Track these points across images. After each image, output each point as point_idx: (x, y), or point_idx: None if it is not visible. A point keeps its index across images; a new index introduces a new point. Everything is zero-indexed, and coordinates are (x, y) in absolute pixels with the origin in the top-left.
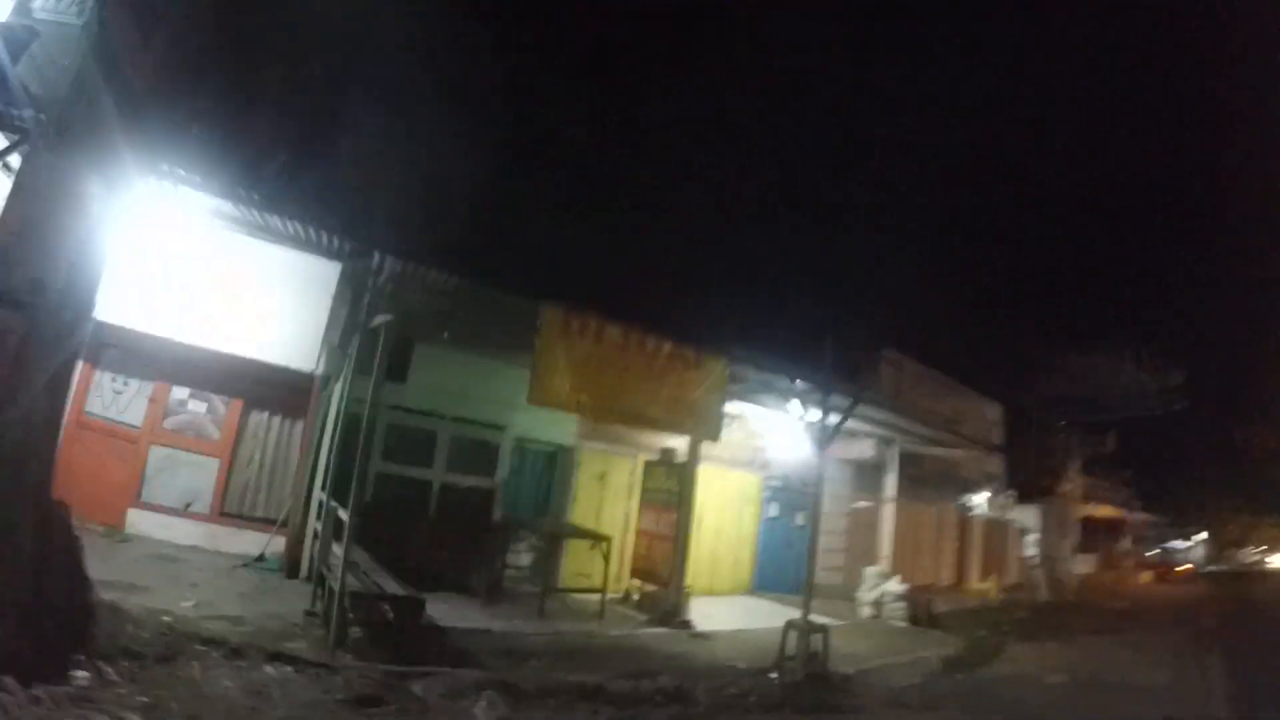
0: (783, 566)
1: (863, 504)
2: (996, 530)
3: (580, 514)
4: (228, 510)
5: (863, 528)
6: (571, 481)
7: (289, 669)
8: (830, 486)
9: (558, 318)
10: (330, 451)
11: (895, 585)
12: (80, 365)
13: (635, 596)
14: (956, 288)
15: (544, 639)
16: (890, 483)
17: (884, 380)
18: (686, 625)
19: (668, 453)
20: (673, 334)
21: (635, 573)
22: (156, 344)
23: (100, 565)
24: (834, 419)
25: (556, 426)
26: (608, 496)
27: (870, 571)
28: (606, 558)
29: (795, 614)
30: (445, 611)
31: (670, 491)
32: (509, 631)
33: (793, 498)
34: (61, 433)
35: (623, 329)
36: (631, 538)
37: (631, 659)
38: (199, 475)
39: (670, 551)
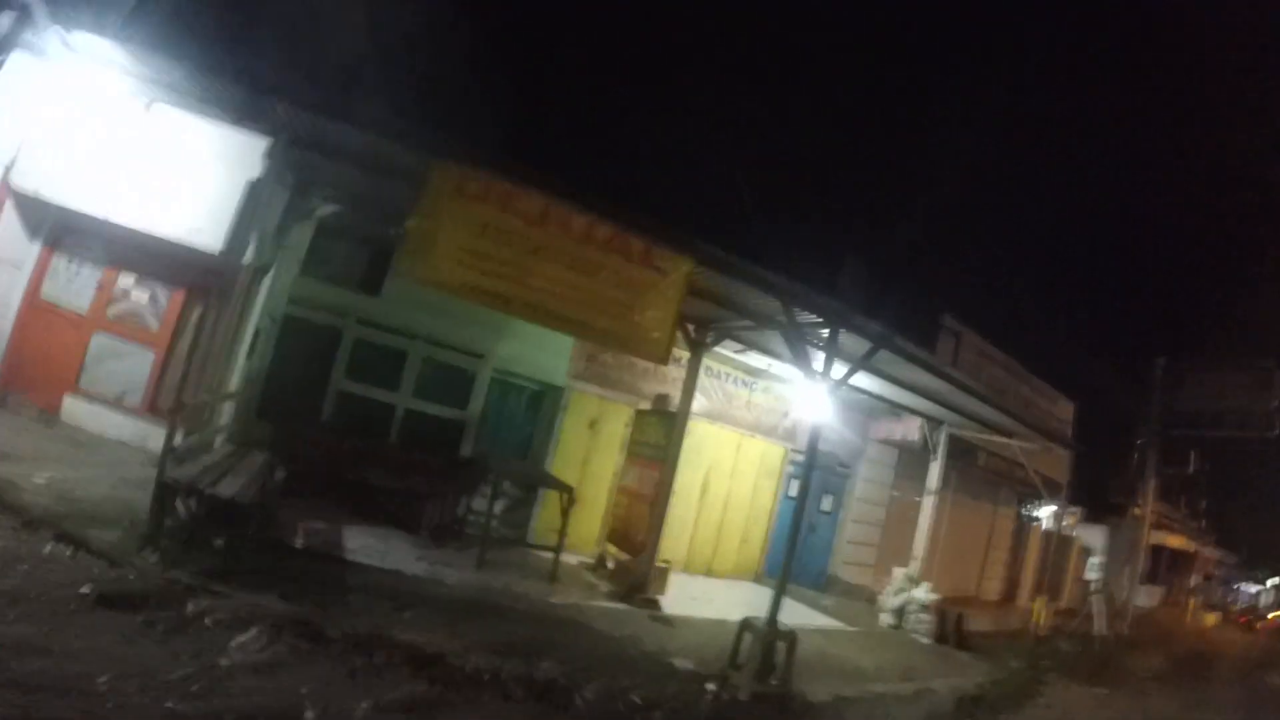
0: (801, 554)
1: (902, 495)
2: (1057, 546)
3: (564, 463)
4: (160, 405)
5: (900, 522)
6: (556, 425)
7: (66, 550)
8: (868, 470)
9: (450, 176)
10: (251, 350)
11: (923, 593)
12: (40, 247)
13: (610, 564)
14: (1043, 256)
15: (457, 592)
16: (935, 472)
17: (939, 352)
18: (652, 605)
19: (661, 400)
20: (621, 216)
21: (612, 536)
22: (108, 230)
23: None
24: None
25: (546, 361)
26: (597, 446)
27: (899, 573)
28: (565, 511)
29: (807, 611)
30: (370, 545)
31: (660, 447)
32: (424, 577)
33: (822, 477)
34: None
35: (543, 199)
36: (616, 496)
37: (545, 632)
38: (136, 366)
39: (647, 515)
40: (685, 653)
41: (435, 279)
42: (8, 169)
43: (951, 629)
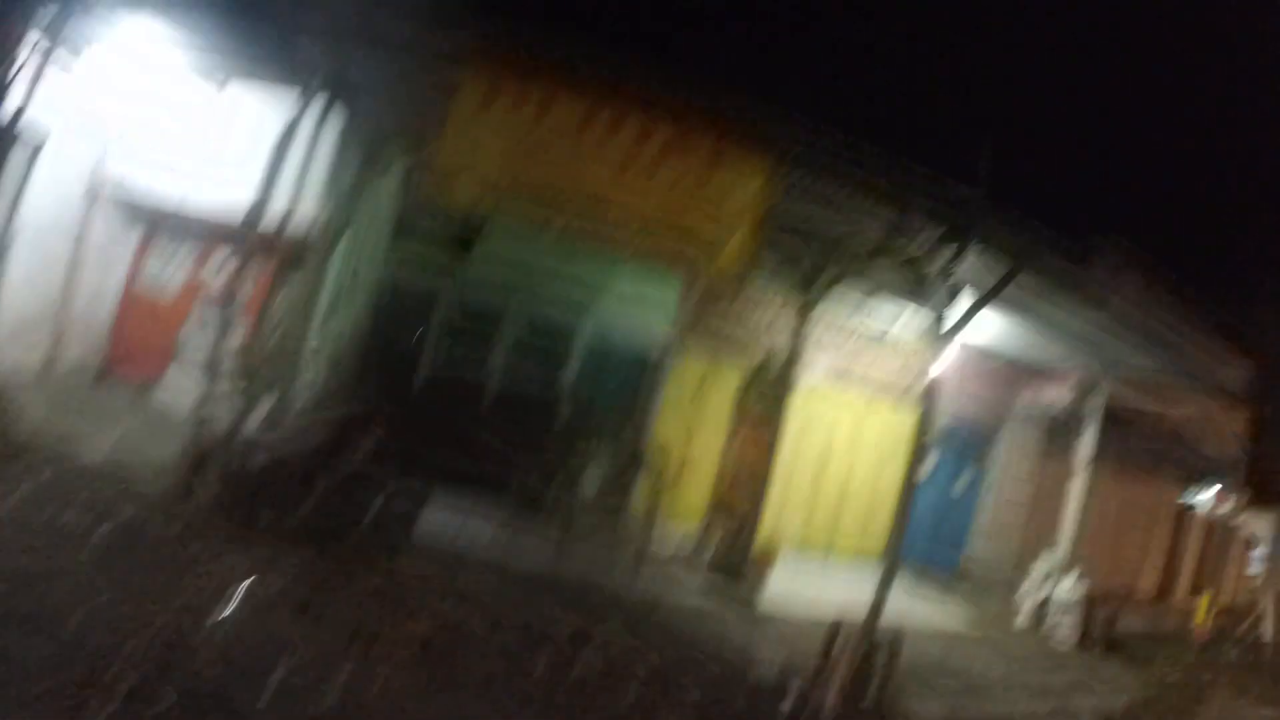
0: (936, 535)
1: (1051, 469)
2: (1220, 534)
3: (669, 428)
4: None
5: (1048, 501)
6: (661, 387)
7: (109, 495)
8: (1012, 440)
9: (478, 88)
10: (332, 312)
11: (1070, 585)
12: (136, 231)
13: (715, 539)
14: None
15: (522, 569)
16: (1089, 441)
17: (1094, 284)
18: (752, 587)
19: (772, 355)
20: (685, 109)
21: (716, 507)
22: (197, 209)
23: (93, 405)
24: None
25: (649, 316)
26: (706, 410)
27: (1042, 562)
28: (659, 482)
29: (931, 606)
30: (451, 515)
31: (769, 409)
32: (494, 550)
33: (962, 448)
34: (121, 297)
35: (587, 100)
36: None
37: (600, 620)
38: (230, 338)
39: (753, 488)
40: (772, 656)
41: (466, 201)
42: (99, 164)
43: (1100, 630)
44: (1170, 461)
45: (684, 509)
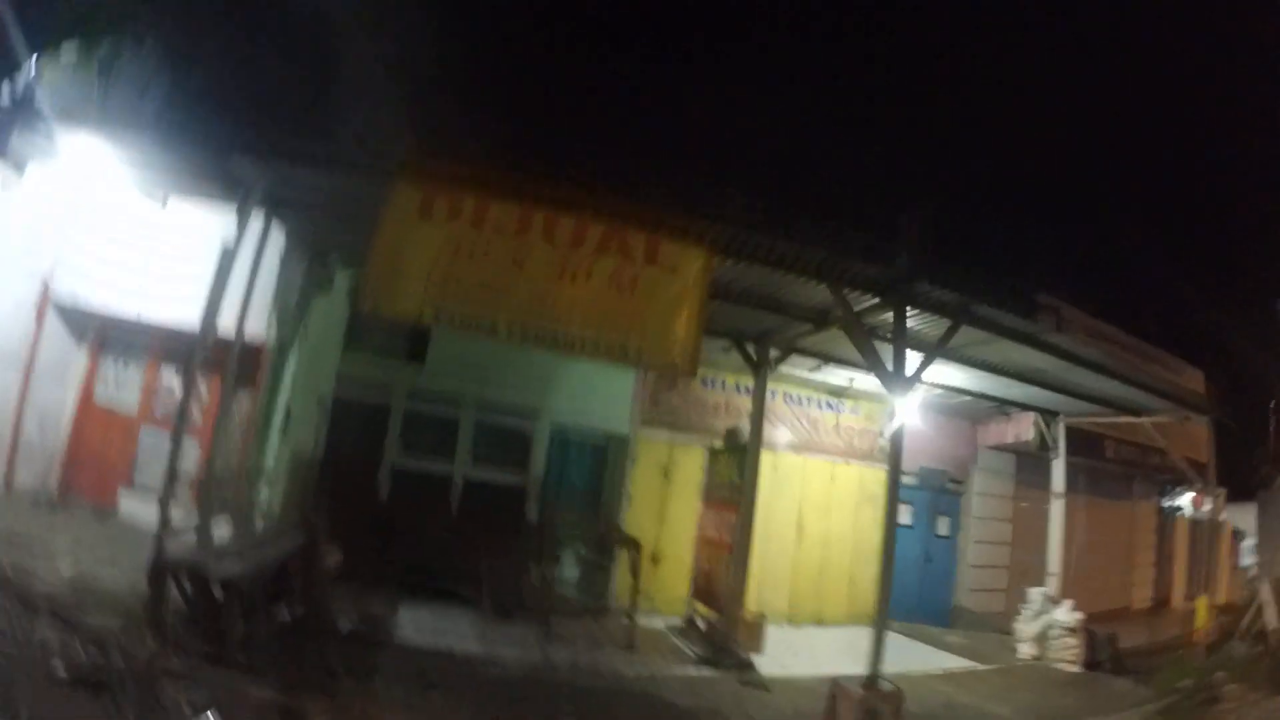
0: (923, 588)
1: (1027, 505)
2: (1206, 535)
3: (638, 517)
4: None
5: (1029, 535)
6: (626, 476)
7: (59, 633)
8: (984, 482)
9: (412, 200)
10: (285, 430)
11: (1065, 614)
12: (86, 352)
13: (700, 624)
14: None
15: (510, 671)
16: (1059, 471)
17: (1039, 329)
18: (744, 666)
19: (733, 434)
20: (615, 210)
21: (699, 592)
22: (145, 327)
23: (46, 531)
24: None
25: (607, 408)
26: (673, 495)
27: (1034, 595)
28: (635, 570)
29: (930, 653)
30: (426, 624)
31: (735, 487)
32: (477, 655)
33: (932, 498)
34: (72, 420)
35: (521, 207)
36: (699, 548)
37: (602, 711)
38: (185, 459)
39: (731, 564)
40: None
41: (405, 310)
42: (46, 279)
43: (1104, 650)
44: (1143, 474)
45: (664, 592)
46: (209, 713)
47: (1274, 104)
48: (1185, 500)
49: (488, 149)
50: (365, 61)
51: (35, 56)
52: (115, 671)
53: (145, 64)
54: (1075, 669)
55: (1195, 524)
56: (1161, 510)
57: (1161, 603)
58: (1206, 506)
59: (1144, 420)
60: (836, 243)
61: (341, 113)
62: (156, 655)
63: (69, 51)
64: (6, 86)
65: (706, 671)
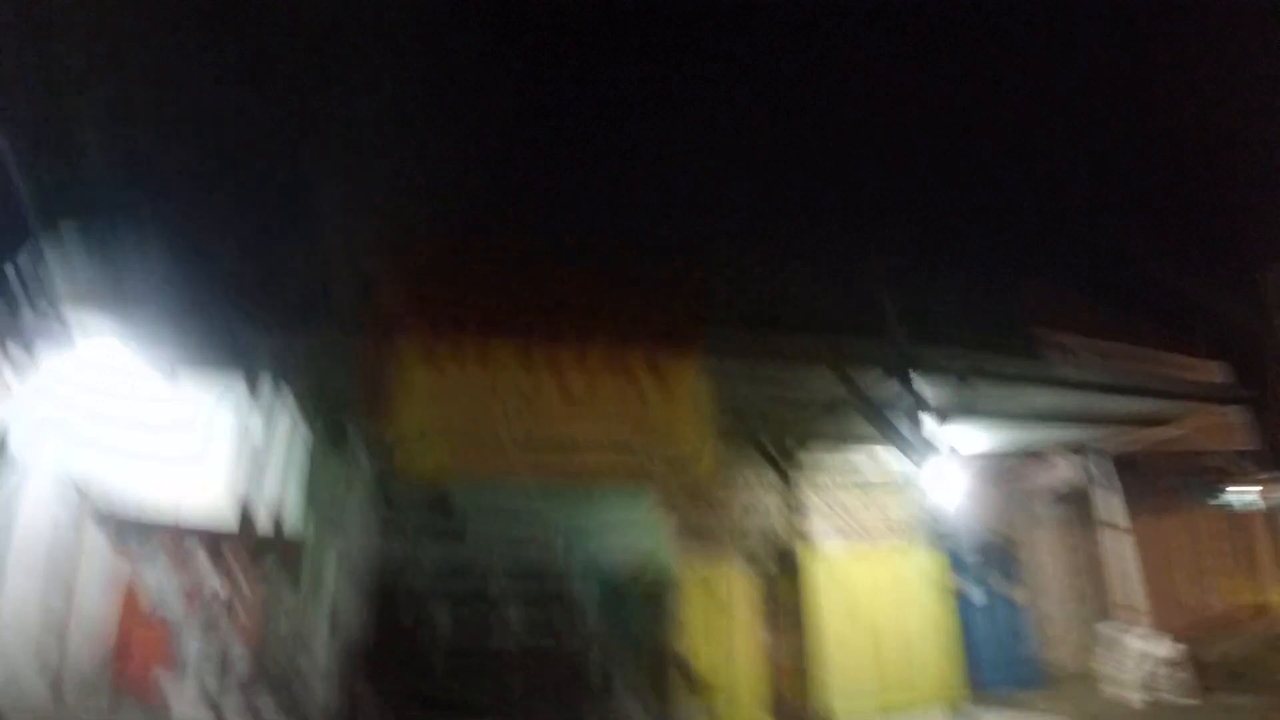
0: (1002, 656)
1: (1084, 544)
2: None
3: (694, 640)
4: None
5: (1095, 575)
6: (670, 607)
7: None
8: (1037, 534)
9: (418, 354)
10: (333, 627)
11: (1160, 645)
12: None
13: None
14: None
15: None
16: (1107, 502)
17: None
18: None
19: (773, 542)
20: (602, 332)
21: (770, 709)
22: (181, 527)
23: None
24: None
25: (639, 540)
26: (725, 613)
27: (1116, 634)
28: (712, 713)
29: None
30: None
31: (788, 600)
32: None
33: (985, 562)
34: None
35: (517, 345)
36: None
37: None
38: (234, 658)
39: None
40: None
41: (430, 465)
42: (82, 487)
43: (1213, 672)
44: (1196, 479)
45: (736, 713)
46: None
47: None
48: (1249, 493)
49: (483, 305)
50: (360, 222)
51: (37, 239)
52: None
53: (143, 242)
54: (1192, 700)
55: (1266, 515)
56: (1218, 509)
57: (1257, 605)
58: (1274, 493)
59: (1178, 426)
60: (832, 327)
61: (337, 273)
62: None
63: (69, 233)
64: (11, 270)
65: None
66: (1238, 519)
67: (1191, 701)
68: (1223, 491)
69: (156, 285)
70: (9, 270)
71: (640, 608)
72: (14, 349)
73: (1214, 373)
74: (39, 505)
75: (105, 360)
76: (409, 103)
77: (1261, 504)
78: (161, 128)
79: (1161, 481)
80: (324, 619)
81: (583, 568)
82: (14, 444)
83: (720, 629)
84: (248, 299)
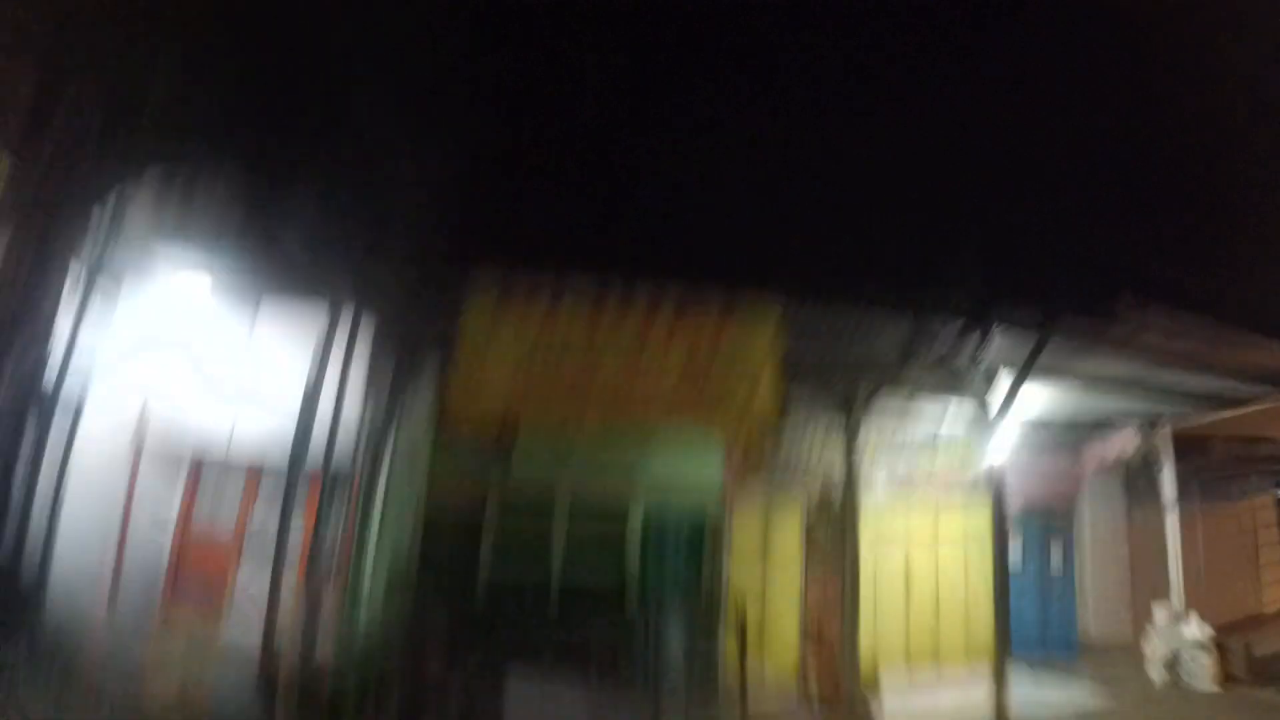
0: (1043, 621)
1: (1141, 522)
2: None
3: (744, 582)
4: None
5: (1147, 554)
6: (724, 545)
7: None
8: (1094, 505)
9: (487, 307)
10: (380, 540)
11: (1194, 630)
12: (184, 477)
13: (813, 687)
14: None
15: None
16: (1169, 480)
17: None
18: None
19: (828, 489)
20: (684, 284)
21: (810, 654)
22: (243, 447)
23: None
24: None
25: (697, 478)
26: (775, 556)
27: (1158, 614)
28: (742, 650)
29: (1059, 692)
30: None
31: (837, 548)
32: None
33: (1042, 528)
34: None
35: (592, 294)
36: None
37: None
38: (287, 568)
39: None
40: None
41: (496, 405)
42: (144, 399)
43: (1240, 664)
44: (1254, 469)
45: (777, 654)
46: None
47: None
48: None
49: (554, 250)
50: (439, 165)
51: (125, 176)
52: None
53: (230, 179)
54: (1214, 687)
55: None
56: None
57: None
58: None
59: (1250, 410)
60: (910, 275)
61: (417, 214)
62: None
63: (155, 171)
64: (99, 207)
65: None
66: None
67: (1214, 689)
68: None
69: (236, 219)
70: (96, 205)
71: (693, 546)
72: (94, 277)
73: None
74: (105, 428)
75: (184, 291)
76: (482, 36)
77: None
78: (240, 64)
79: (1226, 467)
80: (382, 549)
81: (640, 507)
82: (83, 368)
83: (769, 570)
84: (326, 234)
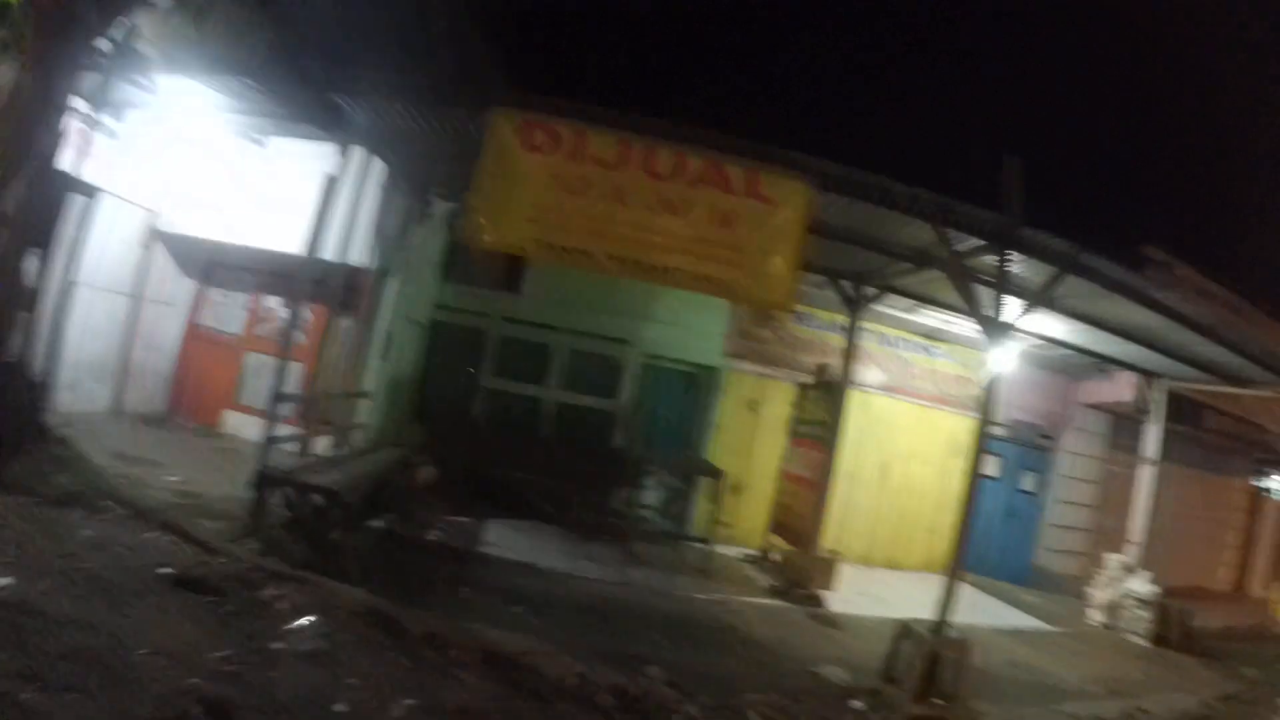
0: (1003, 543)
1: (1117, 469)
2: None
3: (724, 449)
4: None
5: (1115, 501)
6: (713, 409)
7: (167, 538)
8: (1076, 441)
9: (508, 129)
10: (385, 353)
11: (1142, 584)
12: (193, 282)
13: (774, 557)
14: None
15: (591, 588)
16: (1153, 436)
17: (1145, 285)
18: (813, 601)
19: (823, 370)
20: (714, 142)
21: (777, 527)
22: (249, 257)
23: (154, 448)
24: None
25: (697, 341)
26: (760, 429)
27: (1113, 561)
28: (717, 499)
29: (1001, 609)
30: (511, 540)
31: (825, 425)
32: (560, 572)
33: (1021, 453)
34: (180, 344)
35: (618, 137)
36: (782, 483)
37: (676, 632)
38: (289, 379)
39: (812, 502)
40: (841, 660)
41: (505, 242)
42: (153, 214)
43: (1175, 628)
44: (1240, 450)
45: (744, 523)
46: (306, 615)
47: None
48: (1278, 483)
49: (585, 84)
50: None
51: (133, 5)
52: (219, 574)
53: (242, 8)
54: (1144, 642)
55: None
56: (1255, 491)
57: (1239, 587)
58: None
59: (1248, 392)
60: (942, 183)
61: (439, 50)
62: (258, 560)
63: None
64: (108, 35)
65: (778, 603)
66: (1262, 504)
67: (1144, 644)
68: (1262, 474)
69: (249, 48)
70: (107, 31)
71: (681, 401)
72: (109, 98)
73: None
74: (109, 237)
75: (194, 116)
76: None
77: None
78: None
79: (1211, 440)
80: (380, 353)
81: (635, 355)
82: (96, 176)
83: (751, 441)
84: (344, 65)
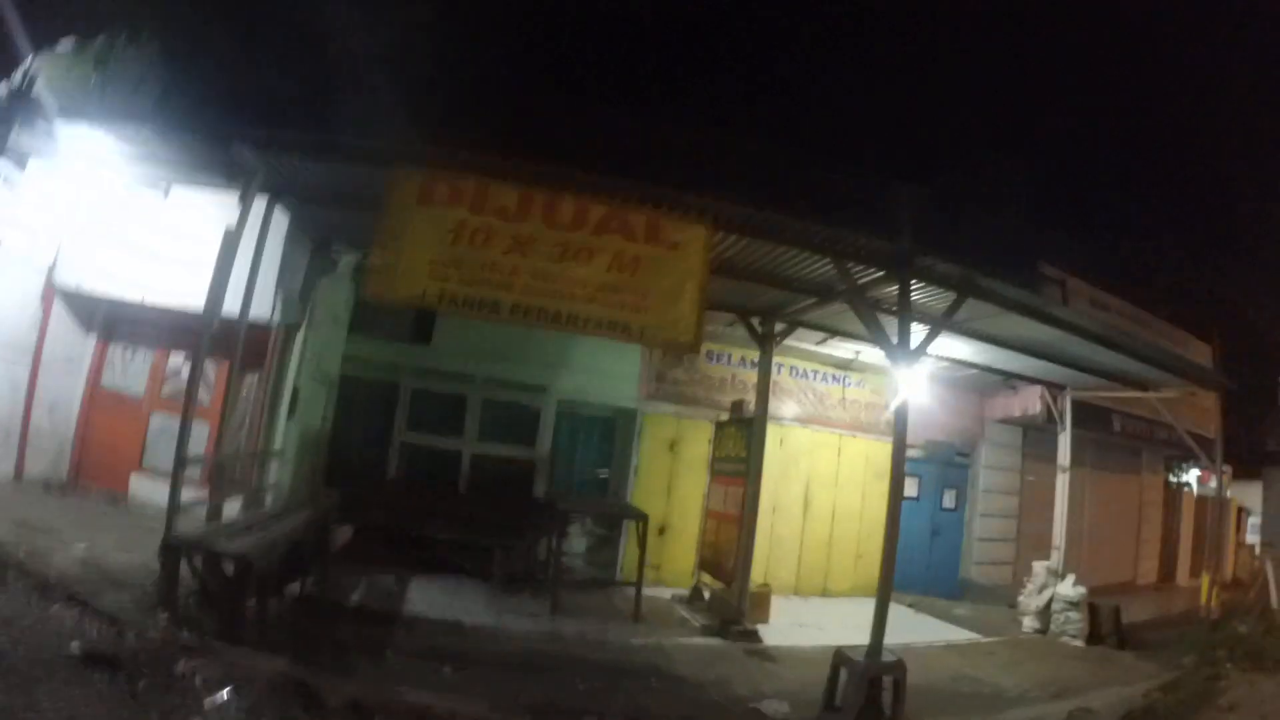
0: (930, 561)
1: (1034, 479)
2: (1212, 511)
3: (646, 491)
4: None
5: (1036, 509)
6: (633, 452)
7: (72, 611)
8: (991, 455)
9: (412, 186)
10: (291, 410)
11: (1068, 588)
12: (94, 340)
13: (706, 595)
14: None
15: (520, 643)
16: (1065, 445)
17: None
18: (749, 636)
19: (739, 407)
20: (615, 189)
21: (705, 565)
22: (150, 313)
23: (57, 516)
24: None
25: (614, 386)
26: (681, 469)
27: (1038, 568)
28: (643, 542)
29: (936, 625)
30: (434, 598)
31: (744, 460)
32: (487, 628)
33: (939, 472)
34: (82, 406)
35: (519, 189)
36: (706, 521)
37: (612, 681)
38: (194, 440)
39: (738, 537)
40: (780, 693)
41: (408, 295)
42: (51, 270)
43: (1108, 625)
44: (1151, 448)
45: (672, 564)
46: (224, 689)
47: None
48: (1192, 476)
49: (486, 134)
50: (363, 52)
51: (34, 53)
52: (130, 649)
53: (143, 58)
54: (1079, 643)
55: (1202, 500)
56: (1169, 485)
57: (1166, 578)
58: (1213, 483)
59: (1151, 395)
60: (840, 217)
61: (340, 102)
62: (170, 633)
63: (66, 47)
64: (5, 83)
65: (713, 641)
66: (1178, 497)
67: (1079, 645)
68: (1174, 469)
69: (150, 97)
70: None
71: (600, 446)
72: (7, 146)
73: (1199, 354)
74: (11, 285)
75: (94, 166)
76: None
77: (1202, 490)
78: None
79: (1121, 442)
80: (288, 410)
81: (551, 402)
82: None
83: (673, 481)
84: (246, 115)
